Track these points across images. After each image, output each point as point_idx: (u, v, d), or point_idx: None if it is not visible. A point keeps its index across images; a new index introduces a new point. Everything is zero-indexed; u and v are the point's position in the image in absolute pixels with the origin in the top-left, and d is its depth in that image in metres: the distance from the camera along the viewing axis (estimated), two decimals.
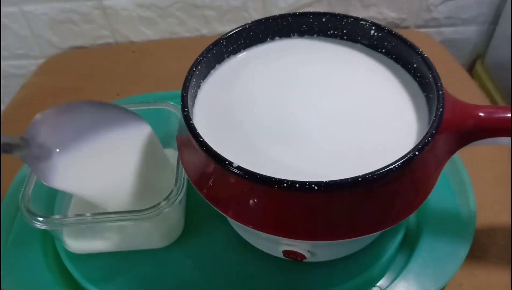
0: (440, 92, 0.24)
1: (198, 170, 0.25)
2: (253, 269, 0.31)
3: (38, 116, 0.24)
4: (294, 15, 0.31)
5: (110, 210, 0.28)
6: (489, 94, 0.58)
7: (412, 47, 0.28)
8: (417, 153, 0.22)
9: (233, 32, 0.30)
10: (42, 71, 0.58)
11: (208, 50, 0.29)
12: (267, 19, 0.31)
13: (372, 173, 0.21)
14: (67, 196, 0.35)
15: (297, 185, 0.21)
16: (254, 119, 0.27)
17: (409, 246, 0.32)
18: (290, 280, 0.31)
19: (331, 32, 0.31)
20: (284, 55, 0.31)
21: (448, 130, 0.24)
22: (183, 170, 0.29)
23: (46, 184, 0.24)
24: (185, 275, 0.31)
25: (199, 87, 0.29)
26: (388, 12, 0.59)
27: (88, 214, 0.29)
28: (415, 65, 0.28)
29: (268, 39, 0.32)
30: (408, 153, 0.22)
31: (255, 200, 0.23)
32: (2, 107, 0.67)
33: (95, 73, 0.56)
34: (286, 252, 0.29)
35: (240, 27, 0.30)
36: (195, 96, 0.28)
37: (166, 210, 0.29)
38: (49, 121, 0.25)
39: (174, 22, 0.60)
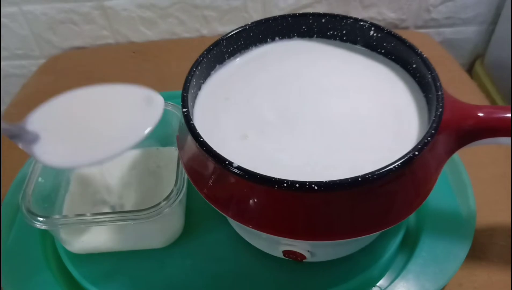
0: (439, 93, 0.25)
1: (198, 170, 0.25)
2: (253, 269, 0.31)
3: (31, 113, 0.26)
4: (294, 16, 0.31)
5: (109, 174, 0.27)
6: (488, 94, 0.58)
7: (412, 48, 0.28)
8: (417, 153, 0.22)
9: (233, 32, 0.30)
10: (42, 71, 0.58)
11: (209, 50, 0.29)
12: (267, 20, 0.31)
13: (372, 173, 0.21)
14: (64, 196, 0.35)
15: (297, 185, 0.21)
16: (255, 120, 0.27)
17: (409, 246, 0.32)
18: (290, 280, 0.31)
19: (331, 32, 0.31)
20: (284, 57, 0.31)
21: (448, 130, 0.24)
22: (183, 170, 0.29)
23: (46, 165, 0.25)
24: (185, 275, 0.31)
25: (199, 87, 0.29)
26: (387, 12, 0.59)
27: (88, 214, 0.29)
28: (414, 66, 0.28)
29: (268, 40, 0.32)
30: (408, 153, 0.22)
31: (255, 200, 0.23)
32: (2, 107, 0.67)
33: (95, 73, 0.56)
34: (286, 252, 0.29)
35: (240, 27, 0.30)
36: (195, 96, 0.29)
37: (166, 210, 0.29)
38: (41, 109, 0.26)
39: (174, 23, 0.60)
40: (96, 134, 0.25)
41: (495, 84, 0.59)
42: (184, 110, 0.25)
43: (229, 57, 0.31)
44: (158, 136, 0.38)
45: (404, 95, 0.28)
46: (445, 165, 0.25)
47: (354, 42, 0.31)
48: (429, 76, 0.26)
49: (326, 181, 0.21)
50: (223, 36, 0.30)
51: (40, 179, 0.31)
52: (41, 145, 0.24)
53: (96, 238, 0.32)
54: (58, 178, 0.35)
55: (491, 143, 0.26)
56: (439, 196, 0.33)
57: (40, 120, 0.25)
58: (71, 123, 0.26)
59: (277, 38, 0.32)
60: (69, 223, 0.29)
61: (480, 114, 0.25)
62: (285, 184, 0.21)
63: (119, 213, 0.29)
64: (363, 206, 0.23)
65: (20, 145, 0.24)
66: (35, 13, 0.58)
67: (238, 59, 0.31)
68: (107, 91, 0.28)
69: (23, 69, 0.64)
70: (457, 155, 0.34)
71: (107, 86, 0.28)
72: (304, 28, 0.32)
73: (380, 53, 0.30)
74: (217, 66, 0.31)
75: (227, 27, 0.60)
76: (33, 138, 0.24)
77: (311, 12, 0.31)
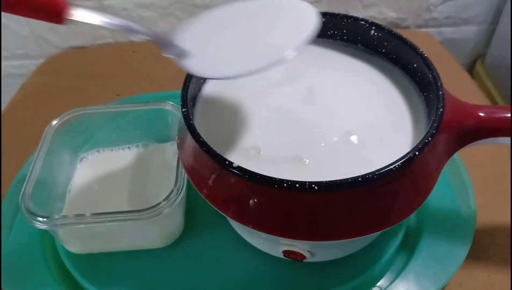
0: (440, 92, 0.24)
1: (198, 170, 0.25)
2: (253, 269, 0.31)
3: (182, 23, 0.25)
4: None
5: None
6: (489, 94, 0.58)
7: (412, 47, 0.28)
8: (417, 153, 0.22)
9: None
10: (42, 71, 0.58)
11: None
12: None
13: (372, 173, 0.21)
14: (60, 195, 0.35)
15: (297, 185, 0.21)
16: (255, 120, 0.27)
17: (409, 246, 0.32)
18: (290, 280, 0.31)
19: (331, 32, 0.31)
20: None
21: (448, 130, 0.24)
22: (183, 170, 0.29)
23: (198, 75, 0.24)
24: (185, 275, 0.31)
25: (199, 87, 0.29)
26: (388, 12, 0.59)
27: (88, 214, 0.29)
28: (415, 65, 0.28)
29: None
30: (408, 153, 0.22)
31: (255, 200, 0.23)
32: (2, 107, 0.66)
33: (95, 73, 0.56)
34: (286, 252, 0.29)
35: None
36: (195, 97, 0.28)
37: (166, 210, 0.29)
38: (189, 23, 0.25)
39: (174, 22, 0.60)
40: (248, 46, 0.24)
41: (496, 84, 0.59)
42: (184, 110, 0.25)
43: None
44: (158, 136, 0.39)
45: (403, 98, 0.28)
46: (445, 165, 0.25)
47: (355, 41, 0.31)
48: (430, 75, 0.26)
49: (326, 181, 0.21)
50: None
51: (39, 179, 0.31)
52: (192, 59, 0.23)
53: (96, 238, 0.32)
54: (58, 178, 0.35)
55: (491, 143, 0.26)
56: (439, 196, 0.33)
57: (187, 35, 0.24)
58: (218, 37, 0.24)
59: None
60: (69, 223, 0.29)
61: (481, 114, 0.25)
62: (285, 184, 0.21)
63: (119, 213, 0.29)
64: (363, 206, 0.23)
65: (171, 57, 0.23)
66: None
67: None
68: (255, 4, 0.26)
69: (23, 69, 0.64)
70: (457, 155, 0.34)
71: (254, 1, 0.26)
72: None
73: (380, 52, 0.30)
74: None
75: None
76: (183, 53, 0.23)
77: None
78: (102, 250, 0.33)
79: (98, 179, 0.36)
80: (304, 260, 0.29)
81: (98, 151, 0.38)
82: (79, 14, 0.19)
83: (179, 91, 0.26)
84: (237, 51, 0.23)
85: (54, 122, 0.35)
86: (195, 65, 0.23)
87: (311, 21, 0.24)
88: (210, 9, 0.26)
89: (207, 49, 0.24)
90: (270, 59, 0.22)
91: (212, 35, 0.24)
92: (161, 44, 0.23)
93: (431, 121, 0.23)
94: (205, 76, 0.23)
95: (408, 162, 0.21)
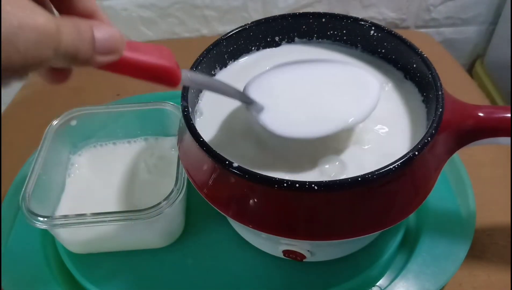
0: (439, 92, 0.25)
1: (198, 170, 0.25)
2: (253, 269, 0.31)
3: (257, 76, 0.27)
4: (294, 15, 0.31)
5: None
6: (489, 94, 0.58)
7: (412, 48, 0.28)
8: (417, 153, 0.22)
9: (233, 32, 0.30)
10: None
11: (209, 50, 0.29)
12: (267, 19, 0.31)
13: (372, 173, 0.21)
14: (59, 195, 0.35)
15: (297, 185, 0.21)
16: (253, 120, 0.27)
17: (408, 246, 0.32)
18: (290, 280, 0.31)
19: (331, 32, 0.31)
20: (284, 60, 0.31)
21: (448, 130, 0.24)
22: (183, 170, 0.29)
23: (272, 132, 0.25)
24: (185, 275, 0.31)
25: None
26: (388, 12, 0.59)
27: (88, 214, 0.29)
28: (414, 65, 0.28)
29: (269, 40, 0.32)
30: (408, 153, 0.22)
31: (255, 200, 0.23)
32: (2, 107, 0.66)
33: (95, 73, 0.55)
34: (286, 252, 0.29)
35: (240, 27, 0.30)
36: (195, 97, 0.28)
37: (166, 210, 0.29)
38: (264, 78, 0.27)
39: (174, 22, 0.60)
40: (318, 109, 0.25)
41: (495, 84, 0.59)
42: (184, 110, 0.25)
43: (228, 61, 0.31)
44: (158, 136, 0.39)
45: (402, 100, 0.28)
46: (445, 165, 0.25)
47: (354, 42, 0.31)
48: (429, 75, 0.26)
49: (326, 181, 0.21)
50: (223, 36, 0.30)
51: (40, 179, 0.31)
52: (267, 114, 0.25)
53: (96, 238, 0.32)
54: (59, 177, 0.35)
55: (491, 143, 0.26)
56: (439, 196, 0.33)
57: (261, 90, 0.26)
58: (291, 95, 0.26)
59: (277, 38, 0.32)
60: (69, 223, 0.29)
61: (480, 114, 0.25)
62: (285, 184, 0.21)
63: (119, 213, 0.29)
64: (363, 206, 0.23)
65: (251, 112, 0.25)
66: None
67: (238, 62, 0.31)
68: (324, 68, 0.28)
69: None
70: (457, 155, 0.34)
71: (324, 64, 0.28)
72: (304, 28, 0.32)
73: (380, 52, 0.30)
74: (217, 69, 0.31)
75: (227, 27, 0.60)
76: (260, 108, 0.25)
77: (311, 11, 0.31)
78: (102, 250, 0.33)
79: (96, 177, 0.36)
80: (304, 260, 0.29)
81: (97, 148, 0.38)
82: (186, 81, 0.21)
83: (179, 91, 0.26)
84: (307, 112, 0.25)
85: (54, 122, 0.35)
86: (270, 122, 0.24)
87: (374, 94, 0.25)
88: (280, 66, 0.28)
89: (280, 106, 0.25)
90: (337, 125, 0.24)
91: (284, 94, 0.26)
92: (246, 103, 0.25)
93: (431, 121, 0.23)
94: (282, 135, 0.24)
95: (408, 162, 0.21)
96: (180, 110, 0.25)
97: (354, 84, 0.26)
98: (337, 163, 0.25)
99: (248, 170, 0.22)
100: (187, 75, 0.21)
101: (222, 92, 0.24)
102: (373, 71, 0.30)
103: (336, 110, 0.25)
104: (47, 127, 0.35)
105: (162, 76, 0.20)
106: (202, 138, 0.23)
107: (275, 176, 0.21)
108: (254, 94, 0.25)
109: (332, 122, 0.24)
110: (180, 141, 0.28)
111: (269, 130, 0.24)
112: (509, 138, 0.25)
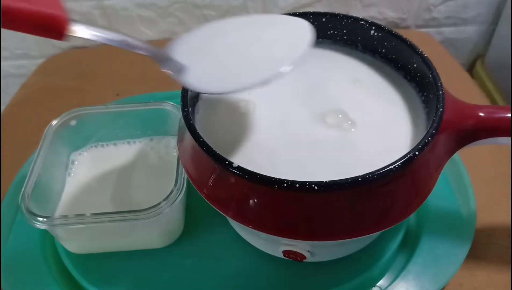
0: (440, 92, 0.24)
1: (198, 170, 0.25)
2: (253, 269, 0.31)
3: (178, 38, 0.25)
4: (294, 15, 0.31)
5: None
6: (489, 94, 0.58)
7: (412, 47, 0.28)
8: (417, 153, 0.22)
9: None
10: (42, 71, 0.58)
11: None
12: None
13: (372, 173, 0.21)
14: (59, 195, 0.35)
15: (297, 185, 0.21)
16: (255, 121, 0.27)
17: (409, 246, 0.32)
18: (290, 280, 0.31)
19: (331, 32, 0.31)
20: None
21: (448, 130, 0.24)
22: (183, 170, 0.29)
23: (196, 91, 0.24)
24: (185, 275, 0.31)
25: None
26: (388, 12, 0.59)
27: (88, 214, 0.29)
28: (415, 65, 0.28)
29: None
30: (408, 153, 0.22)
31: (255, 200, 0.23)
32: (2, 107, 0.66)
33: (95, 73, 0.56)
34: (286, 252, 0.29)
35: None
36: (195, 97, 0.28)
37: (166, 210, 0.29)
38: (185, 38, 0.26)
39: (174, 22, 0.60)
40: (243, 61, 0.24)
41: (496, 84, 0.59)
42: (184, 110, 0.25)
43: None
44: (158, 136, 0.38)
45: (401, 100, 0.28)
46: (445, 165, 0.25)
47: (354, 41, 0.31)
48: (430, 75, 0.26)
49: (326, 181, 0.21)
50: None
51: (39, 179, 0.31)
52: (190, 73, 0.24)
53: (96, 238, 0.32)
54: (58, 178, 0.35)
55: (491, 143, 0.26)
56: (439, 196, 0.33)
57: (183, 49, 0.25)
58: (215, 51, 0.25)
59: None
60: (69, 223, 0.29)
61: (481, 114, 0.25)
62: (285, 184, 0.21)
63: (119, 213, 0.29)
64: (363, 206, 0.23)
65: (169, 73, 0.24)
66: None
67: None
68: (249, 21, 0.26)
69: (23, 69, 0.64)
70: (457, 155, 0.34)
71: (248, 17, 0.27)
72: None
73: (380, 52, 0.30)
74: None
75: None
76: (181, 67, 0.24)
77: (311, 11, 0.31)
78: (102, 250, 0.33)
79: (96, 177, 0.36)
80: (304, 260, 0.29)
81: (97, 148, 0.38)
82: (79, 30, 0.20)
83: (179, 91, 0.26)
84: (233, 66, 0.24)
85: (54, 122, 0.35)
86: (192, 80, 0.23)
87: (306, 35, 0.24)
88: (205, 24, 0.26)
89: (204, 63, 0.24)
90: (266, 74, 0.23)
91: (208, 50, 0.25)
92: (159, 59, 0.23)
93: (431, 121, 0.23)
94: (203, 91, 0.24)
95: (408, 162, 0.21)
96: (180, 110, 0.25)
97: (283, 29, 0.25)
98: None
99: (248, 170, 0.22)
100: (78, 26, 0.20)
101: (129, 46, 0.22)
102: (373, 71, 0.30)
103: (266, 59, 0.23)
104: (47, 127, 0.35)
105: (46, 25, 0.18)
106: (202, 138, 0.23)
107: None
108: (178, 54, 0.24)
109: (262, 72, 0.23)
110: (180, 141, 0.28)
111: (189, 88, 0.23)
112: (509, 138, 0.25)
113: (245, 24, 0.26)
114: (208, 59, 0.24)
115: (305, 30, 0.24)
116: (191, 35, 0.26)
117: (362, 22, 0.30)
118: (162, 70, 0.24)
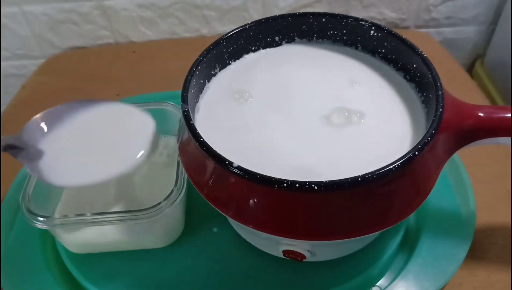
0: (439, 92, 0.25)
1: (198, 170, 0.25)
2: (253, 269, 0.31)
3: (32, 119, 0.27)
4: (294, 15, 0.31)
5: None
6: (488, 94, 0.58)
7: (412, 47, 0.28)
8: (417, 153, 0.22)
9: (233, 32, 0.30)
10: (42, 71, 0.58)
11: (209, 50, 0.29)
12: (267, 19, 0.31)
13: (372, 173, 0.21)
14: (59, 195, 0.35)
15: (297, 185, 0.21)
16: (256, 121, 0.27)
17: (408, 246, 0.32)
18: (290, 280, 0.31)
19: (331, 32, 0.31)
20: (284, 61, 0.31)
21: (448, 130, 0.24)
22: (183, 170, 0.29)
23: (43, 182, 0.25)
24: (185, 275, 0.31)
25: (200, 87, 0.29)
26: (388, 12, 0.59)
27: (88, 214, 0.29)
28: (414, 65, 0.28)
29: (269, 40, 0.32)
30: (408, 153, 0.22)
31: (255, 200, 0.23)
32: (2, 107, 0.66)
33: (95, 73, 0.56)
34: (286, 252, 0.29)
35: (240, 27, 0.30)
36: (195, 96, 0.28)
37: (166, 210, 0.29)
38: (40, 123, 0.28)
39: (174, 22, 0.60)
40: (94, 155, 0.26)
41: (495, 84, 0.59)
42: (184, 110, 0.25)
43: (228, 62, 0.31)
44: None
45: (400, 100, 0.28)
46: (445, 165, 0.25)
47: (355, 42, 0.31)
48: (430, 75, 0.26)
49: (326, 181, 0.21)
50: (223, 36, 0.30)
51: None
52: (42, 163, 0.25)
53: (96, 238, 0.32)
54: None
55: (491, 143, 0.26)
56: (439, 196, 0.33)
57: (38, 134, 0.26)
58: (70, 142, 0.26)
59: (277, 38, 0.32)
60: (69, 223, 0.29)
61: (480, 114, 0.25)
62: (285, 184, 0.21)
63: (119, 213, 0.29)
64: (363, 206, 0.23)
65: (20, 160, 0.25)
66: (35, 13, 0.57)
67: (239, 61, 0.31)
68: (103, 109, 0.29)
69: (23, 69, 0.64)
70: (457, 155, 0.34)
71: (103, 104, 0.29)
72: (304, 28, 0.32)
73: (380, 52, 0.30)
74: (217, 68, 0.30)
75: (227, 27, 0.60)
76: (36, 155, 0.25)
77: (311, 11, 0.31)
78: (102, 250, 0.33)
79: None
80: (304, 260, 0.29)
81: None
82: None
83: (179, 91, 0.26)
84: (86, 158, 0.26)
85: None
86: (48, 171, 0.25)
87: (150, 125, 0.28)
88: (60, 111, 0.28)
89: (58, 154, 0.25)
90: (122, 168, 0.26)
91: (61, 139, 0.26)
92: (16, 149, 0.25)
93: (431, 121, 0.23)
94: (56, 184, 0.25)
95: (408, 162, 0.21)
96: (180, 110, 0.25)
97: (127, 124, 0.28)
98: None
99: (248, 170, 0.22)
100: None
101: None
102: (373, 71, 0.30)
103: (119, 152, 0.26)
104: None
105: None
106: (202, 138, 0.23)
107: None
108: (31, 137, 0.25)
109: (118, 165, 0.26)
110: (180, 141, 0.28)
111: (44, 181, 0.24)
112: (509, 138, 0.25)
113: (97, 113, 0.28)
114: (63, 151, 0.26)
115: (148, 121, 0.28)
116: (47, 118, 0.28)
117: (362, 23, 0.30)
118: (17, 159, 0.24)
